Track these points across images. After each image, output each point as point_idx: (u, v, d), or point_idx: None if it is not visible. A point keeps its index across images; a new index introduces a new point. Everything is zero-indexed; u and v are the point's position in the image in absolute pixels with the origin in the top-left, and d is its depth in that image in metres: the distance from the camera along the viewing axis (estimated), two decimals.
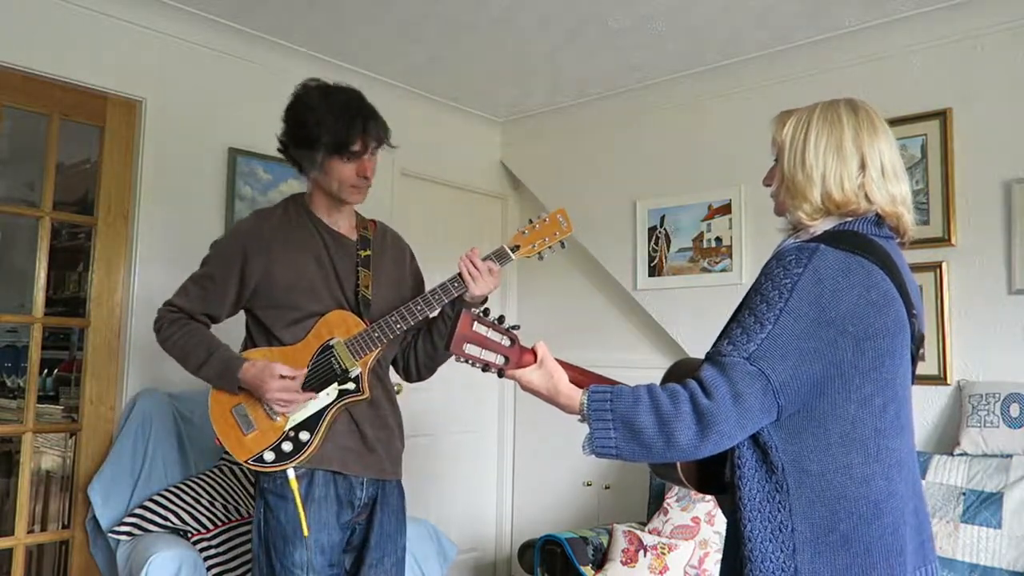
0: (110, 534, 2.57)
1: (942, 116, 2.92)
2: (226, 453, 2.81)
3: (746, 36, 3.19)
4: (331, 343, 1.93)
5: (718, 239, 3.50)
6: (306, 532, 1.87)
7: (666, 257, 3.67)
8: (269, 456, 1.90)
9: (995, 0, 2.81)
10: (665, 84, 3.68)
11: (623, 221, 3.83)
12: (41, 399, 2.91)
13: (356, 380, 1.95)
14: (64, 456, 3.08)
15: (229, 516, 2.63)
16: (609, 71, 3.59)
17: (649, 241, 3.73)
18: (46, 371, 3.41)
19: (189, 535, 2.54)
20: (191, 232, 3.09)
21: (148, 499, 2.62)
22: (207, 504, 2.62)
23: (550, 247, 1.99)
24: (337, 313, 1.95)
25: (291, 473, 1.88)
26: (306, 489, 1.90)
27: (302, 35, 3.27)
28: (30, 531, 2.82)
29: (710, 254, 3.52)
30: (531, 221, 2.00)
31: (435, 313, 2.03)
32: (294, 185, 3.41)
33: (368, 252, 2.05)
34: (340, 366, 1.92)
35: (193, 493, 2.65)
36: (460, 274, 1.94)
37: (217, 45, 3.17)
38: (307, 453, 1.90)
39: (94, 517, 2.66)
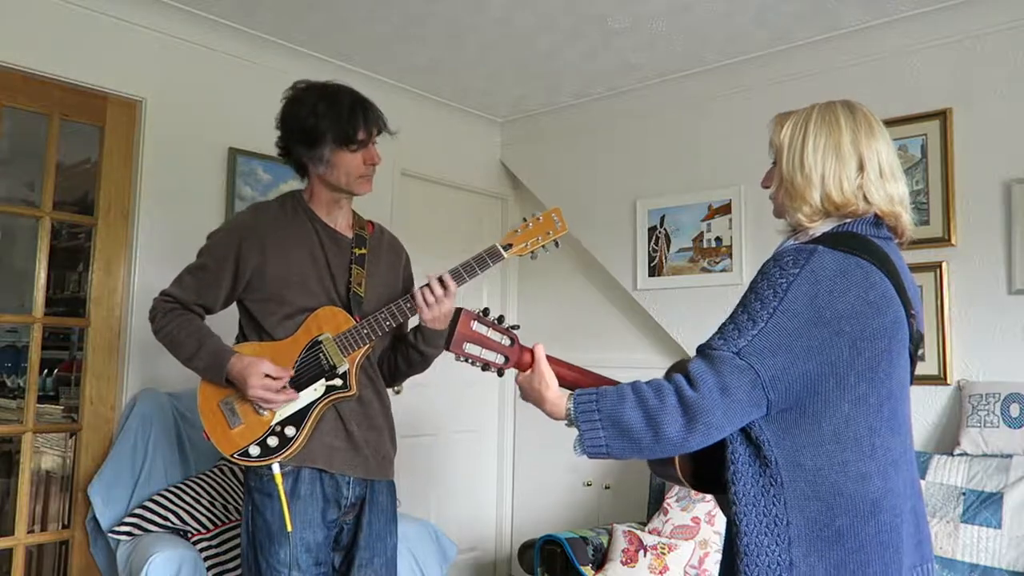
0: (110, 534, 2.57)
1: (942, 116, 2.92)
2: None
3: (746, 36, 3.19)
4: (320, 339, 1.93)
5: (718, 239, 3.50)
6: (289, 527, 1.86)
7: (666, 257, 3.67)
8: (255, 451, 1.89)
9: (995, 0, 2.81)
10: (665, 84, 3.68)
11: (623, 221, 3.83)
12: (41, 399, 2.90)
13: (344, 376, 1.94)
14: (64, 456, 3.07)
15: (229, 516, 2.63)
16: (609, 71, 3.59)
17: (649, 241, 3.73)
18: (46, 371, 3.41)
19: (189, 535, 2.54)
20: (191, 232, 3.07)
21: (148, 499, 2.62)
22: (207, 504, 2.62)
23: (543, 246, 1.98)
24: (327, 309, 1.96)
25: (276, 468, 1.88)
26: (292, 486, 1.90)
27: (302, 35, 3.27)
28: (30, 531, 2.82)
29: (710, 254, 3.52)
30: (525, 219, 1.99)
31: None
32: (294, 185, 3.39)
33: (363, 251, 2.05)
34: (328, 362, 1.92)
35: (193, 493, 2.65)
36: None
37: (217, 45, 3.17)
38: (292, 449, 1.90)
39: (94, 517, 2.66)
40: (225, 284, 1.96)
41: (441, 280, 1.93)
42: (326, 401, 1.94)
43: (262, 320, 1.96)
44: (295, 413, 1.92)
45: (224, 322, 2.07)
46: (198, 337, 1.93)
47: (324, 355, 1.93)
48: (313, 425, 1.92)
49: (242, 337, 2.02)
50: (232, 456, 1.90)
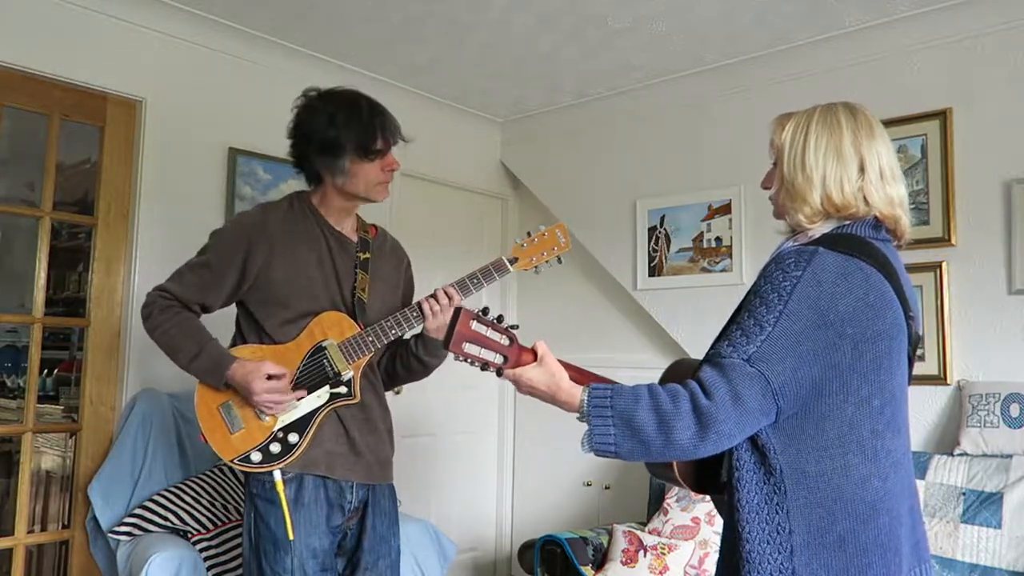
0: (110, 534, 2.57)
1: (942, 116, 2.92)
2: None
3: (746, 36, 3.19)
4: (324, 344, 1.91)
5: (718, 239, 3.50)
6: (291, 536, 1.83)
7: (666, 257, 3.67)
8: (256, 456, 1.86)
9: (994, 0, 2.81)
10: (665, 84, 3.68)
11: (623, 221, 3.83)
12: (41, 399, 2.91)
13: (348, 383, 1.92)
14: (64, 456, 3.07)
15: (229, 516, 2.63)
16: (609, 71, 3.59)
17: (649, 241, 3.73)
18: (46, 371, 3.41)
19: (189, 535, 2.54)
20: (191, 232, 3.07)
21: (148, 499, 2.62)
22: (207, 504, 2.62)
23: (547, 262, 2.01)
24: (332, 314, 1.93)
25: (278, 475, 1.85)
26: (295, 493, 1.87)
27: (302, 35, 3.27)
28: (30, 531, 2.82)
29: (710, 254, 3.52)
30: (530, 234, 2.01)
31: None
32: (294, 185, 3.39)
33: (367, 255, 2.03)
34: (332, 368, 1.90)
35: (193, 493, 2.65)
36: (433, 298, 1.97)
37: (217, 45, 3.17)
38: (295, 455, 1.87)
39: (94, 517, 2.66)
40: (229, 284, 1.91)
41: (447, 292, 1.95)
42: (329, 408, 1.91)
43: (263, 322, 1.92)
44: (298, 419, 1.89)
45: (218, 323, 2.05)
46: (197, 340, 1.88)
47: (328, 362, 1.90)
48: (316, 432, 1.90)
49: (240, 338, 1.99)
50: (232, 461, 1.87)
